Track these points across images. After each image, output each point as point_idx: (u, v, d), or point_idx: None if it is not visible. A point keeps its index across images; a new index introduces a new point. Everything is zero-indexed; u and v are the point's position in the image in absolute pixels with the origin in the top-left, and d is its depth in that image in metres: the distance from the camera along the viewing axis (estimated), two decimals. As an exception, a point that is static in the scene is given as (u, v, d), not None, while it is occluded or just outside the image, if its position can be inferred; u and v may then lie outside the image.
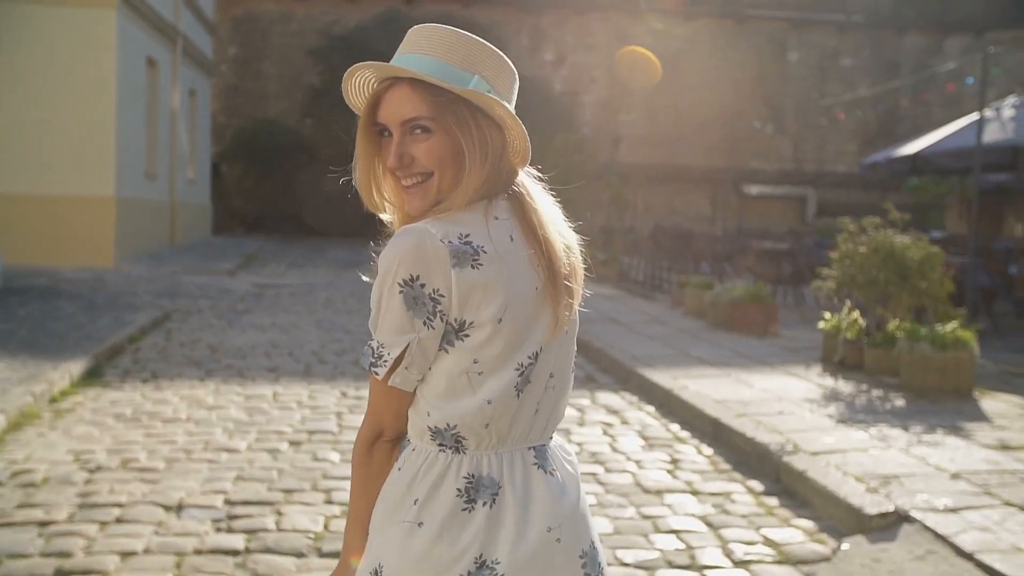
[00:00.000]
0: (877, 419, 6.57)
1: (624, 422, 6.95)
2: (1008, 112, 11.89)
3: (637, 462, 5.88)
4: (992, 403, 7.24)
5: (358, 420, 6.64)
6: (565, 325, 1.68)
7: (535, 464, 1.66)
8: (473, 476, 1.61)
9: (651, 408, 7.46)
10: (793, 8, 36.18)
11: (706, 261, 18.39)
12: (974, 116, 12.52)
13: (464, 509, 1.59)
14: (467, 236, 1.58)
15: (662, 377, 8.04)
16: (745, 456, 5.97)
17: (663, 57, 35.63)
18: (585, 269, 1.79)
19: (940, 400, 7.27)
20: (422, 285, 1.55)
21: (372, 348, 1.62)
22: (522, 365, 1.61)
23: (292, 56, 31.58)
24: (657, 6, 35.13)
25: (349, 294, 14.64)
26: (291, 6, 31.89)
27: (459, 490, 1.60)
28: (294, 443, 5.99)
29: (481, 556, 1.58)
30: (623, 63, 34.51)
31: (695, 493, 5.34)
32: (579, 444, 6.24)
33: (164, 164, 20.06)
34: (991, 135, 11.66)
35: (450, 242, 1.56)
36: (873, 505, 4.68)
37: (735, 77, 36.18)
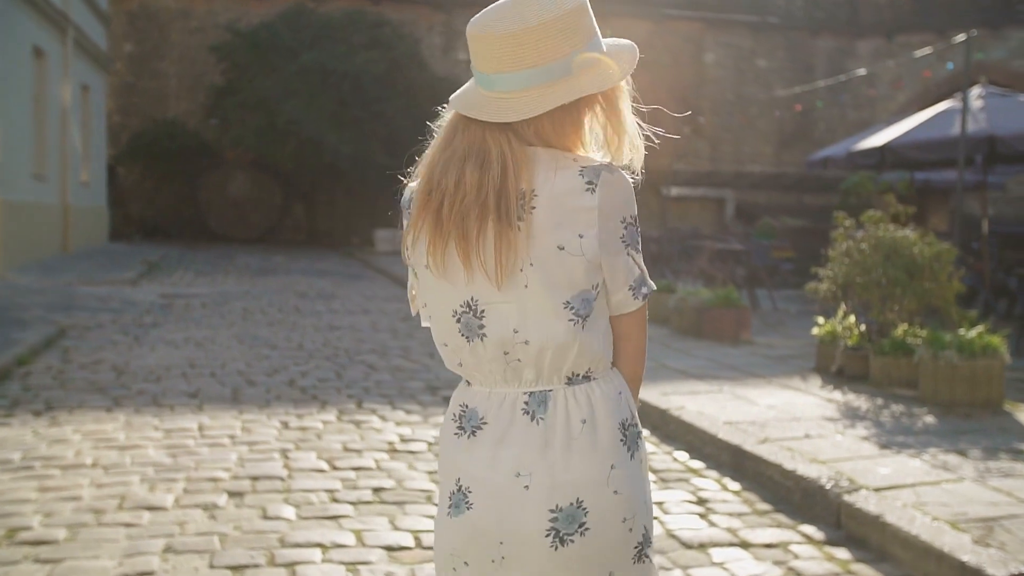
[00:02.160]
0: (920, 442, 5.64)
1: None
2: (977, 103, 11.26)
3: (659, 504, 4.83)
4: (1030, 417, 6.41)
5: (307, 459, 5.44)
6: (504, 279, 1.67)
7: (523, 410, 1.71)
8: (466, 406, 1.78)
9: (644, 432, 6.40)
10: (709, 9, 35.84)
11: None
12: (943, 106, 11.87)
13: (455, 433, 1.79)
14: None
15: (649, 394, 7.01)
16: (786, 493, 4.96)
17: (578, 57, 34.90)
18: None
19: (972, 415, 6.41)
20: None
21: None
22: (456, 312, 1.74)
23: (193, 54, 29.80)
24: (573, 5, 34.37)
25: (268, 304, 13.28)
26: (191, 2, 30.13)
27: (454, 415, 1.81)
28: (234, 494, 4.75)
29: (459, 480, 1.75)
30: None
31: (745, 546, 4.30)
32: (584, 483, 5.14)
33: (54, 165, 18.31)
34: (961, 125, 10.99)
35: None
36: (994, 564, 3.70)
37: (652, 78, 35.57)
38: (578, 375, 1.71)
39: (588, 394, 1.71)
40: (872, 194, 19.54)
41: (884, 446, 5.50)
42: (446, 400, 7.26)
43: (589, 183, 1.67)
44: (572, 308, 1.68)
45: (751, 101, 35.93)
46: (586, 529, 1.67)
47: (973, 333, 6.70)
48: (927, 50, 21.14)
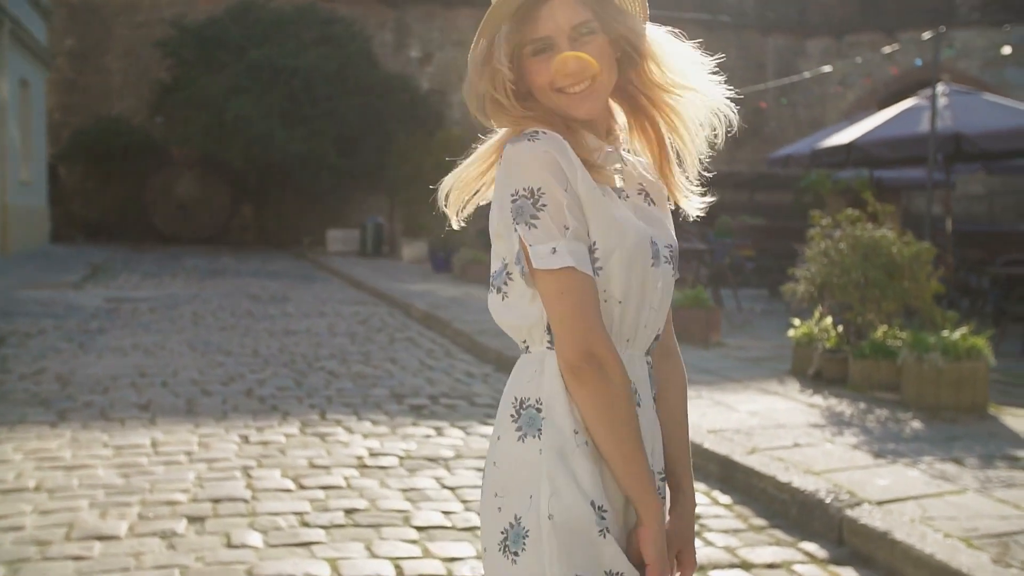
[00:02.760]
0: (912, 449, 5.43)
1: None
2: (942, 101, 11.15)
3: (649, 521, 4.53)
4: (1018, 421, 6.23)
5: (271, 478, 5.08)
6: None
7: None
8: None
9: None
10: (660, 7, 35.68)
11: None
12: (908, 103, 11.77)
13: None
14: None
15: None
16: (781, 507, 4.71)
17: (531, 55, 34.67)
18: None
19: (958, 419, 6.22)
20: None
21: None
22: None
23: (138, 49, 29.00)
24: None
25: (219, 307, 12.82)
26: (135, -5, 29.35)
27: None
28: (195, 520, 4.38)
29: None
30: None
31: (746, 566, 4.04)
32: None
33: (-7, 163, 17.63)
34: (928, 123, 10.88)
35: None
36: (1019, 585, 3.47)
37: (604, 76, 35.48)
38: (525, 346, 1.69)
39: (516, 366, 1.71)
40: (829, 193, 19.54)
41: (878, 455, 5.27)
42: (413, 409, 6.94)
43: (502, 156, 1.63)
44: (493, 282, 1.70)
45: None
46: (481, 492, 1.71)
47: (957, 335, 6.53)
48: (895, 46, 21.17)
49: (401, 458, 5.58)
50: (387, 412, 6.82)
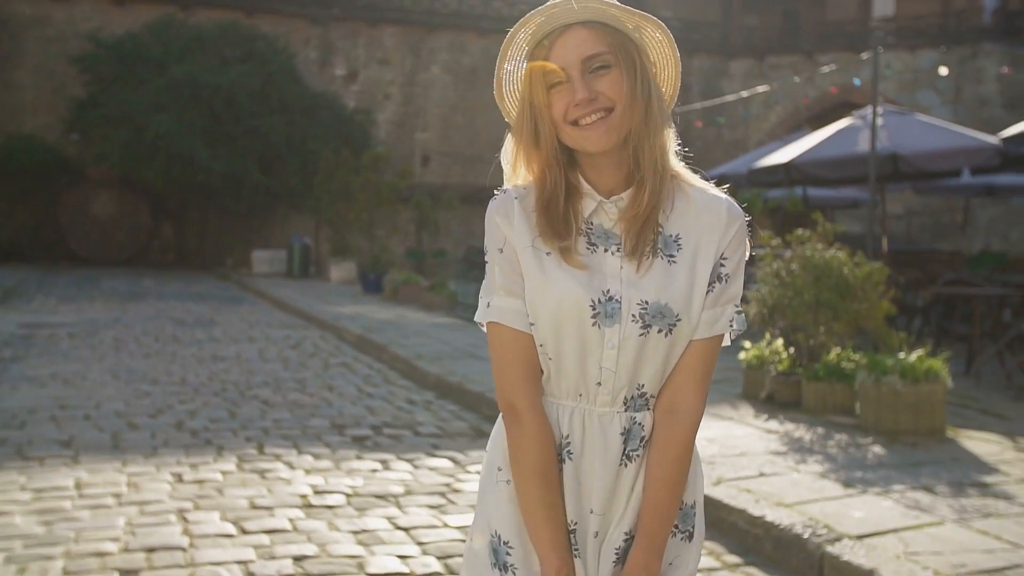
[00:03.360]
0: (880, 477, 5.27)
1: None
2: (877, 121, 11.20)
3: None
4: (977, 444, 6.14)
5: (210, 522, 4.70)
6: None
7: None
8: None
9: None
10: (587, 27, 35.87)
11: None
12: (843, 123, 11.80)
13: None
14: None
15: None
16: (755, 543, 4.50)
17: (456, 74, 34.49)
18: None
19: (918, 443, 6.11)
20: None
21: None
22: None
23: (51, 64, 28.02)
24: (452, 21, 33.98)
25: (142, 332, 12.27)
26: (48, 8, 28.37)
27: None
28: (128, 573, 3.99)
29: None
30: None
31: (727, 610, 3.80)
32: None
33: None
34: (865, 143, 10.92)
35: None
36: (1023, 628, 3.29)
37: (531, 96, 35.43)
38: None
39: None
40: (760, 212, 19.65)
41: (847, 484, 5.10)
42: (356, 441, 6.60)
43: None
44: None
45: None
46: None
47: (913, 357, 6.42)
48: (832, 66, 21.46)
49: (348, 496, 5.24)
50: (329, 444, 6.47)
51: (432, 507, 5.09)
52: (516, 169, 1.73)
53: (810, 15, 39.48)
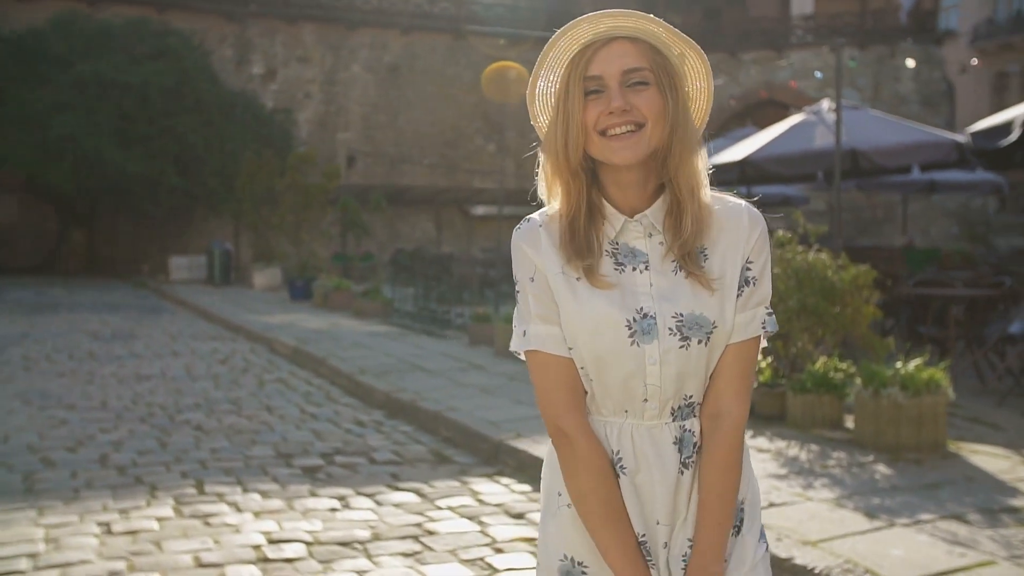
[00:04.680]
0: (901, 505, 4.78)
1: (549, 534, 4.73)
2: (830, 116, 10.87)
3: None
4: (984, 460, 5.71)
5: (150, 584, 3.98)
6: None
7: None
8: None
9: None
10: (510, 25, 35.41)
11: (474, 287, 16.41)
12: (796, 119, 11.44)
13: None
14: None
15: (543, 449, 5.90)
16: (784, 589, 3.95)
17: (378, 72, 33.68)
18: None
19: (923, 460, 5.66)
20: None
21: (768, 313, 1.71)
22: None
23: (-53, 62, 26.46)
24: (373, 18, 33.13)
25: (54, 349, 11.33)
26: (-58, 2, 26.82)
27: None
28: (53, 666, 3.27)
29: None
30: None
31: None
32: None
33: None
34: (822, 139, 10.56)
35: None
36: None
37: (455, 93, 34.86)
38: None
39: None
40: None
41: (869, 514, 4.60)
42: (306, 472, 5.90)
43: None
44: None
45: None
46: None
47: (912, 367, 5.98)
48: (790, 61, 21.28)
49: (308, 544, 4.56)
50: (276, 479, 5.76)
51: (406, 555, 4.44)
52: (551, 189, 1.71)
53: (732, 13, 39.58)
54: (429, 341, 11.81)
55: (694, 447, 1.68)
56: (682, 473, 1.66)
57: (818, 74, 20.69)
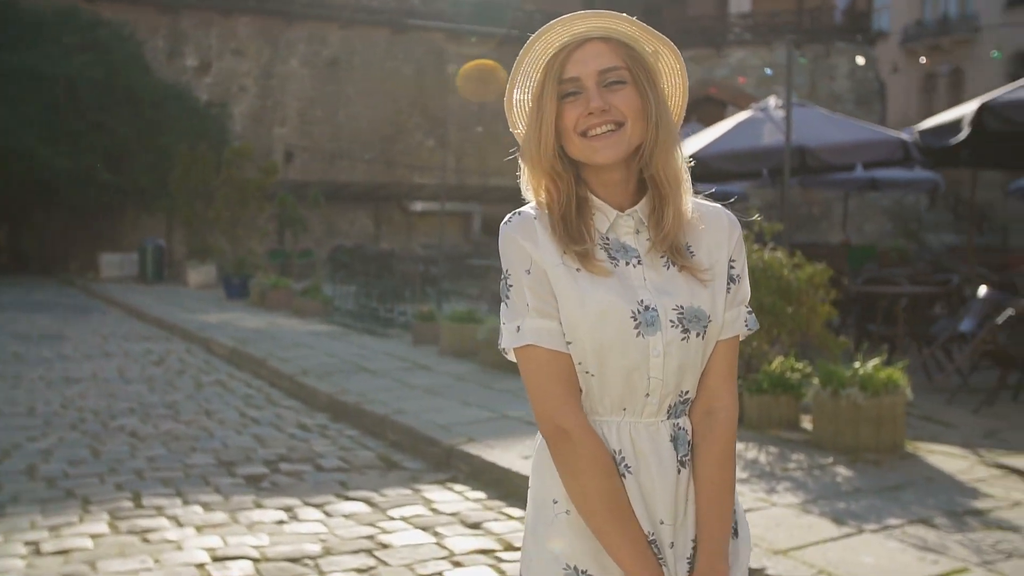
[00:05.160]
0: (867, 509, 4.69)
1: (503, 543, 4.56)
2: (778, 113, 10.83)
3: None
4: (942, 460, 5.66)
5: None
6: None
7: None
8: None
9: (516, 509, 5.13)
10: (450, 19, 35.11)
11: (416, 285, 16.14)
12: (743, 116, 11.39)
13: None
14: None
15: (506, 458, 5.73)
16: (755, 601, 3.82)
17: (316, 66, 33.16)
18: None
19: (882, 461, 5.58)
20: None
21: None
22: None
23: None
24: (311, 11, 32.60)
25: (-22, 351, 10.84)
26: None
27: None
28: None
29: None
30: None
31: None
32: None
33: None
34: (771, 137, 10.52)
35: None
36: None
37: (394, 88, 34.45)
38: None
39: None
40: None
41: (836, 520, 4.49)
42: (250, 482, 5.65)
43: None
44: None
45: (496, 113, 35.54)
46: None
47: (870, 367, 5.90)
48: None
49: (256, 561, 4.31)
50: (219, 489, 5.49)
51: (360, 571, 4.22)
52: (536, 192, 1.69)
53: (671, 11, 39.75)
54: (372, 340, 11.55)
55: (688, 445, 1.66)
56: (679, 472, 1.64)
57: (768, 71, 20.76)
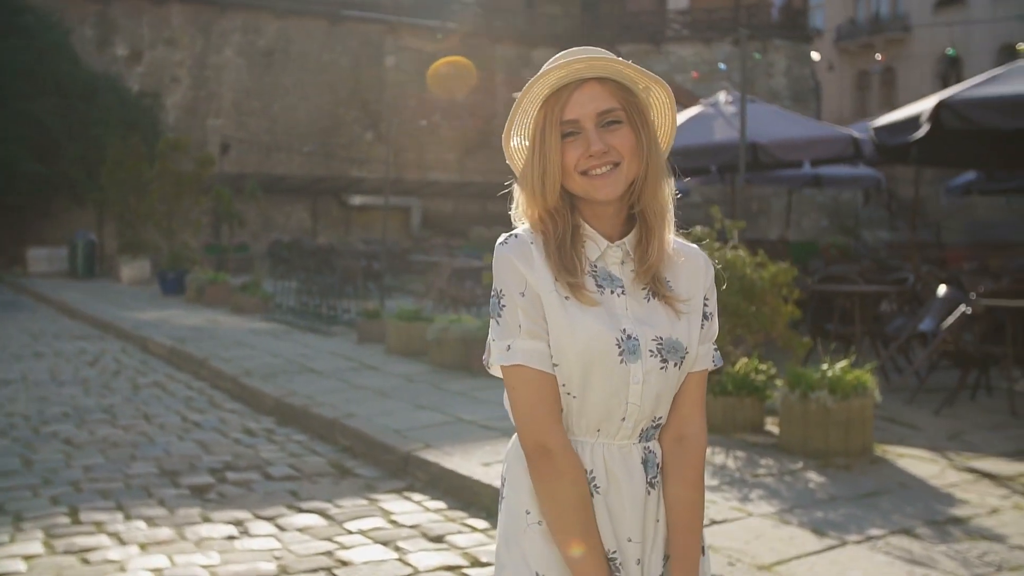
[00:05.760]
0: (847, 518, 4.54)
1: (469, 558, 4.33)
2: (729, 108, 10.74)
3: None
4: (912, 464, 5.55)
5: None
6: None
7: None
8: None
9: (479, 520, 4.90)
10: (388, 11, 34.65)
11: (358, 281, 15.77)
12: (693, 111, 11.27)
13: None
14: None
15: (465, 464, 5.50)
16: (742, 620, 3.64)
17: (251, 57, 32.49)
18: None
19: (852, 465, 5.47)
20: None
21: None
22: None
23: None
24: (246, 1, 31.90)
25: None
26: None
27: None
28: None
29: None
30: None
31: None
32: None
33: None
34: (722, 133, 10.42)
35: None
36: None
37: (331, 81, 33.89)
38: None
39: None
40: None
41: (817, 531, 4.33)
42: (195, 493, 5.34)
43: None
44: None
45: (434, 107, 35.17)
46: None
47: (838, 369, 5.78)
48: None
49: (206, 583, 4.02)
50: (163, 502, 5.17)
51: (320, 591, 3.95)
52: (533, 221, 1.75)
53: (609, 6, 39.72)
54: (315, 339, 11.21)
55: (657, 468, 1.74)
56: (648, 493, 1.72)
57: (722, 66, 20.78)
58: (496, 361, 1.71)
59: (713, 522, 4.46)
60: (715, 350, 1.82)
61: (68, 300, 15.64)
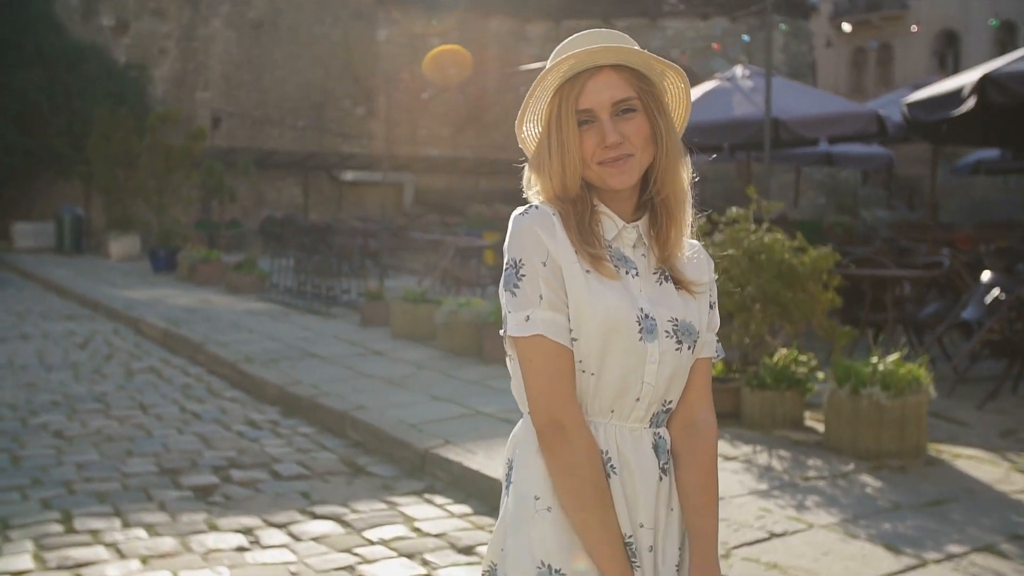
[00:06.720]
0: (918, 531, 4.16)
1: None
2: (747, 83, 10.30)
3: None
4: (971, 466, 5.17)
5: None
6: None
7: None
8: None
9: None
10: (376, -13, 33.95)
11: (355, 259, 15.30)
12: (709, 86, 10.82)
13: None
14: None
15: (489, 464, 5.11)
16: (823, 654, 3.24)
17: (240, 28, 31.82)
18: None
19: (908, 468, 5.08)
20: None
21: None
22: None
23: None
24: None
25: None
26: None
27: None
28: None
29: None
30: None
31: None
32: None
33: None
34: (741, 109, 9.98)
35: None
36: None
37: (322, 54, 33.23)
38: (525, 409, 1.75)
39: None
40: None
41: (889, 546, 3.94)
42: (199, 494, 4.92)
43: None
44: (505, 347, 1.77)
45: (426, 82, 34.56)
46: None
47: (890, 362, 5.38)
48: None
49: (218, 605, 3.61)
50: (164, 505, 4.74)
51: (345, 616, 3.54)
52: (548, 197, 1.74)
53: (606, -21, 39.09)
54: (316, 321, 10.76)
55: (668, 454, 1.72)
56: (661, 479, 1.69)
57: (745, 37, 20.32)
58: (513, 332, 1.66)
59: (772, 535, 4.07)
60: (717, 341, 1.83)
61: (56, 277, 15.14)
